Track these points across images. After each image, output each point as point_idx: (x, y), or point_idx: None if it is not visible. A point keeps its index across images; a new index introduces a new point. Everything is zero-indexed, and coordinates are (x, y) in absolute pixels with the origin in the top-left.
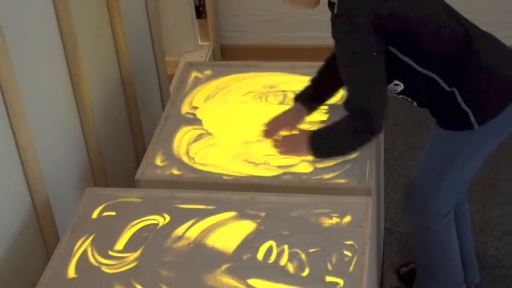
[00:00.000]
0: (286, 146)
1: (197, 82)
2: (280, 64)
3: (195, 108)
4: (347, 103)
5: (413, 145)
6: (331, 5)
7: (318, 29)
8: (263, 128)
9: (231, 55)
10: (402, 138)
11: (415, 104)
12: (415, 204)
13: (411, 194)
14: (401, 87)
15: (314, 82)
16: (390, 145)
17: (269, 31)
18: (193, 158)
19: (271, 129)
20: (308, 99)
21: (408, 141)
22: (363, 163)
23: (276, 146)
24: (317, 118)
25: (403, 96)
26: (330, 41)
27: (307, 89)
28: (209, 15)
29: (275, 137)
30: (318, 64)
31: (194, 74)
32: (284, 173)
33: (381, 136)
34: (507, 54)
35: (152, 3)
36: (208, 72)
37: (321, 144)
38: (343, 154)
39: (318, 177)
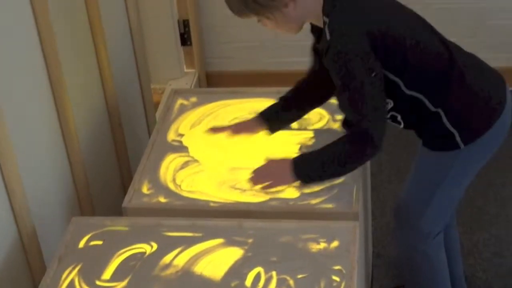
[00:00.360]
0: (265, 177)
1: (183, 109)
2: (266, 90)
3: (181, 135)
4: (347, 124)
5: (399, 169)
6: (316, 30)
7: (304, 54)
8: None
9: (217, 82)
10: (389, 162)
11: (402, 125)
12: (405, 226)
13: (400, 216)
14: (390, 104)
15: (283, 101)
16: (377, 169)
17: (255, 57)
18: (179, 186)
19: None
20: (272, 117)
21: (394, 165)
22: (350, 188)
23: (254, 181)
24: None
25: (392, 114)
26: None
27: (274, 106)
28: (194, 42)
29: (253, 171)
30: None
31: (179, 101)
32: (271, 199)
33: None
34: (490, 74)
35: (137, 30)
36: (193, 99)
37: (311, 168)
38: (335, 177)
39: (305, 202)
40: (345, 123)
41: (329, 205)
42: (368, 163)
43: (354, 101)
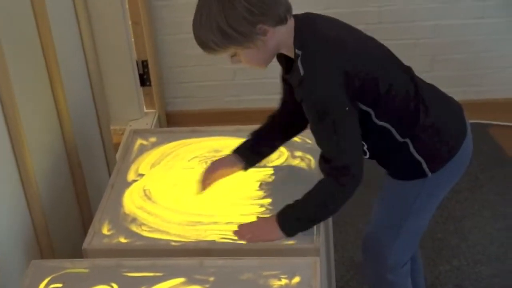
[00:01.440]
0: (253, 233)
1: (143, 149)
2: (225, 128)
3: (141, 175)
4: (324, 161)
5: (362, 202)
6: (282, 60)
7: (263, 92)
8: (199, 179)
9: (178, 121)
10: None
11: (367, 155)
12: (372, 256)
13: (367, 248)
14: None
15: (255, 136)
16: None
17: (215, 96)
18: (140, 226)
19: (206, 180)
20: (247, 152)
21: (356, 198)
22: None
23: (239, 236)
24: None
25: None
26: (275, 103)
27: (247, 142)
28: (153, 82)
29: (237, 227)
30: None
31: (139, 141)
32: (232, 237)
33: None
34: (450, 104)
35: (95, 71)
36: (153, 139)
37: (295, 218)
38: (323, 219)
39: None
40: (322, 159)
41: (290, 241)
42: None
43: (329, 136)
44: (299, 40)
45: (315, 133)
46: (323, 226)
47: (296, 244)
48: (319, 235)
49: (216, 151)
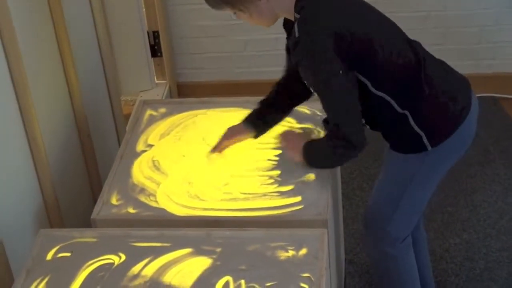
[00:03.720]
0: (290, 143)
1: (152, 120)
2: (235, 99)
3: (151, 146)
4: (327, 122)
5: (371, 176)
6: (287, 25)
7: (274, 63)
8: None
9: (188, 93)
10: (360, 170)
11: (368, 127)
12: (373, 230)
13: (368, 221)
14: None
15: (262, 104)
16: (348, 176)
17: (225, 67)
18: (148, 196)
19: (221, 144)
20: (256, 120)
21: (366, 172)
22: (319, 195)
23: (283, 138)
24: None
25: None
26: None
27: (255, 110)
28: (164, 53)
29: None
30: None
31: (148, 112)
32: (239, 209)
33: (337, 167)
34: (456, 79)
35: (105, 42)
36: (162, 110)
37: (312, 155)
38: (332, 166)
39: (274, 210)
40: (325, 122)
41: (298, 213)
42: (338, 170)
43: (325, 100)
44: (299, 4)
45: (318, 95)
46: (331, 198)
47: (303, 216)
48: (327, 207)
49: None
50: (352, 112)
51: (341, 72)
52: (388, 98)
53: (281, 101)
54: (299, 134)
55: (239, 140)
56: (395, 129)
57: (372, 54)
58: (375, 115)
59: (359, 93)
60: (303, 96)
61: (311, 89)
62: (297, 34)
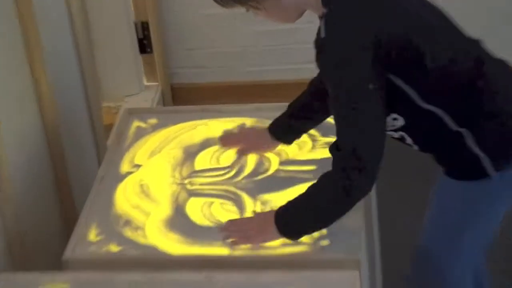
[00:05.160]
0: (244, 232)
1: (140, 133)
2: (245, 107)
3: (138, 166)
4: (336, 147)
5: (417, 201)
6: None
7: (293, 60)
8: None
9: (185, 98)
10: (401, 190)
11: (416, 148)
12: (424, 273)
13: (418, 262)
14: (400, 121)
15: (293, 108)
16: (386, 199)
17: (232, 65)
18: (136, 230)
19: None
20: (284, 130)
21: (410, 193)
22: (350, 227)
23: (226, 233)
24: None
25: (402, 134)
26: (308, 74)
27: (283, 117)
28: (155, 49)
29: (226, 224)
30: None
31: (135, 123)
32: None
33: (372, 193)
34: None
35: (83, 36)
36: (153, 121)
37: (295, 217)
38: (325, 224)
39: (292, 248)
40: (334, 144)
41: (322, 251)
42: (373, 195)
43: (343, 116)
44: None
45: (332, 109)
46: (365, 231)
47: (330, 254)
48: (360, 242)
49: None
50: (376, 135)
51: (371, 86)
52: (440, 113)
53: (315, 104)
54: (249, 218)
55: (258, 151)
56: (449, 150)
57: (420, 60)
58: (424, 134)
59: (404, 107)
60: None
61: (330, 102)
62: (323, 34)
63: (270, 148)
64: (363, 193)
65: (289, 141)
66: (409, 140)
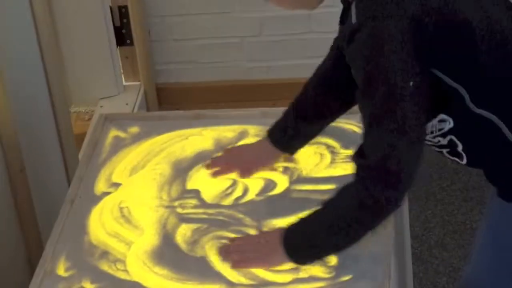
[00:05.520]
0: (246, 252)
1: (119, 145)
2: (246, 111)
3: (117, 185)
4: (360, 155)
5: (458, 226)
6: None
7: (304, 54)
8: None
9: (173, 101)
10: (440, 216)
11: (464, 160)
12: None
13: None
14: (449, 124)
15: (294, 110)
16: (422, 228)
17: (230, 61)
18: (114, 263)
19: (224, 163)
20: (285, 136)
21: (451, 220)
22: (378, 259)
23: (227, 255)
24: None
25: (452, 138)
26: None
27: (282, 120)
28: (136, 40)
29: (226, 243)
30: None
31: (113, 132)
32: (254, 284)
33: (405, 215)
34: None
35: (47, 25)
36: (134, 129)
37: (308, 238)
38: (344, 246)
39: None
40: (359, 151)
41: (345, 277)
42: (404, 218)
43: (374, 116)
44: None
45: (360, 107)
46: (396, 263)
47: (353, 286)
48: (389, 278)
49: (232, 145)
50: (414, 141)
51: (413, 82)
52: (495, 120)
53: (324, 101)
54: (253, 237)
55: (258, 168)
56: (504, 167)
57: (472, 47)
58: (474, 145)
59: (453, 108)
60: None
61: (359, 98)
62: (355, 19)
63: (271, 161)
64: (390, 210)
65: (292, 150)
66: (460, 147)
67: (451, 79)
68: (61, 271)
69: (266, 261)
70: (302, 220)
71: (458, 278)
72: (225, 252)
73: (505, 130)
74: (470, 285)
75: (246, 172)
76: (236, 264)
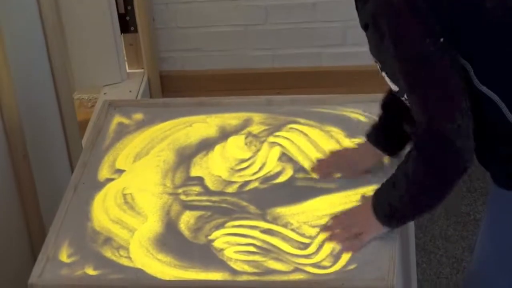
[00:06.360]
0: (341, 225)
1: (123, 132)
2: (251, 99)
3: (120, 171)
4: (416, 131)
5: (462, 217)
6: None
7: (312, 42)
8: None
9: (177, 89)
10: (444, 208)
11: None
12: None
13: None
14: None
15: (386, 110)
16: (426, 219)
17: (235, 49)
18: (117, 250)
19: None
20: (381, 136)
21: (454, 211)
22: (380, 249)
23: (330, 232)
24: None
25: None
26: (331, 60)
27: (379, 122)
28: (140, 27)
29: (328, 224)
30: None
31: (117, 119)
32: (257, 272)
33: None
34: None
35: (51, 12)
36: (138, 116)
37: (390, 202)
38: (423, 211)
39: (312, 273)
40: (415, 130)
41: (349, 276)
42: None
43: (412, 84)
44: None
45: (403, 88)
46: (400, 254)
47: (357, 279)
48: (393, 267)
49: (237, 132)
50: (460, 106)
51: (441, 40)
52: (497, 100)
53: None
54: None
55: (359, 170)
56: (503, 152)
57: (479, 19)
58: (475, 126)
59: None
60: None
61: (386, 76)
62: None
63: (372, 163)
64: (456, 175)
65: (394, 150)
66: None
67: (461, 56)
68: (63, 257)
69: (364, 229)
70: (383, 185)
71: (462, 269)
72: (329, 231)
73: (505, 110)
74: (474, 275)
75: (351, 174)
76: (340, 239)
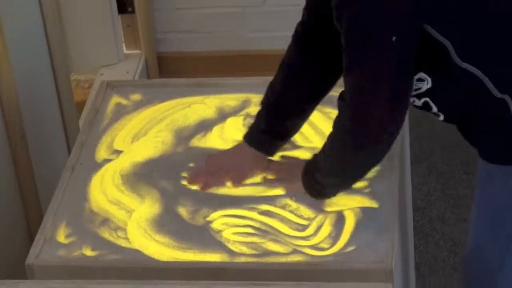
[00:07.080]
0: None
1: (120, 112)
2: (248, 80)
3: (118, 152)
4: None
5: (459, 200)
6: None
7: None
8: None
9: (174, 70)
10: (441, 190)
11: (441, 117)
12: (476, 283)
13: (467, 270)
14: (426, 84)
15: (270, 105)
16: (423, 200)
17: (232, 30)
18: (115, 231)
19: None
20: (264, 138)
21: (451, 193)
22: (379, 231)
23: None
24: None
25: (427, 101)
26: None
27: (258, 120)
28: (138, 7)
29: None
30: None
31: (115, 99)
32: (256, 254)
33: (408, 188)
34: None
35: None
36: (136, 97)
37: (321, 173)
38: (350, 179)
39: (309, 255)
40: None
41: (347, 259)
42: (407, 192)
43: (356, 63)
44: None
45: (346, 57)
46: (399, 236)
47: (355, 262)
48: (392, 249)
49: (235, 113)
50: (400, 91)
51: (394, 37)
52: (479, 75)
53: (305, 82)
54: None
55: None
56: (488, 126)
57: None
58: (455, 102)
59: (436, 64)
60: (335, 75)
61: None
62: None
63: (256, 168)
64: (375, 157)
65: (272, 151)
66: (434, 109)
67: (439, 33)
68: (61, 238)
69: (291, 188)
70: (318, 153)
71: (459, 252)
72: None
73: (489, 84)
74: (471, 255)
75: (237, 182)
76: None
